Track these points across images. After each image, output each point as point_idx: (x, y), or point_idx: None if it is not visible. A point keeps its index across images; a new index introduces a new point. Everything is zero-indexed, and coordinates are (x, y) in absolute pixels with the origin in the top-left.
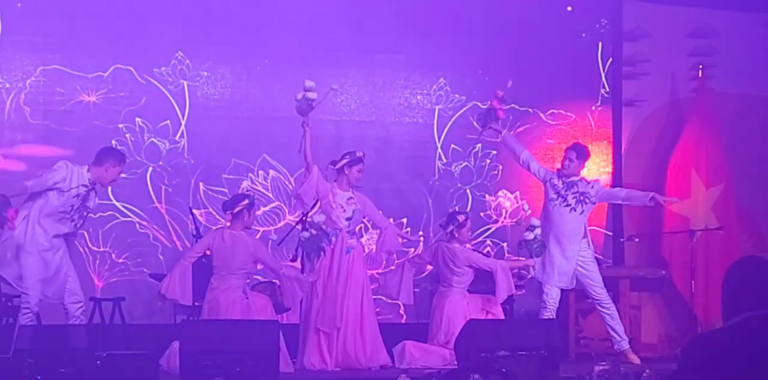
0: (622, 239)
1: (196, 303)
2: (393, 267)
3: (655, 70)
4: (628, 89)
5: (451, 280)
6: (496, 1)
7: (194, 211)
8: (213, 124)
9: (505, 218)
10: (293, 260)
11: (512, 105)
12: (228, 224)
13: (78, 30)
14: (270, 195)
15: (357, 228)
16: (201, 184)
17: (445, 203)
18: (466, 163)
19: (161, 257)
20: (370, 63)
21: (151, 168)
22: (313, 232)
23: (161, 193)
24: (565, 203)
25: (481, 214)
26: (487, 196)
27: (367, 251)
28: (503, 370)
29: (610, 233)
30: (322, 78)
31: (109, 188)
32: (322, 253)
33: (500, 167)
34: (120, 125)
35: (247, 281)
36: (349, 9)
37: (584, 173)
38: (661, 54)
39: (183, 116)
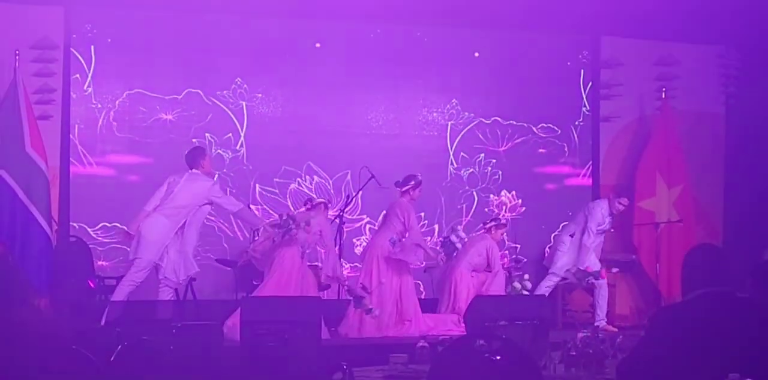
0: None
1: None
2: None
3: (627, 92)
4: (605, 108)
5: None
6: (498, 37)
7: (252, 207)
8: (267, 137)
9: (504, 212)
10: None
11: (511, 121)
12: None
13: (157, 60)
14: (314, 196)
15: None
16: (257, 186)
17: (455, 201)
18: (472, 169)
19: (225, 245)
20: (394, 87)
21: (217, 175)
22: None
23: (227, 193)
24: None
25: (486, 210)
26: (491, 195)
27: None
28: (503, 336)
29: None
30: (356, 99)
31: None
32: None
33: (500, 173)
34: (193, 140)
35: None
36: (377, 43)
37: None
38: (631, 79)
39: (242, 131)
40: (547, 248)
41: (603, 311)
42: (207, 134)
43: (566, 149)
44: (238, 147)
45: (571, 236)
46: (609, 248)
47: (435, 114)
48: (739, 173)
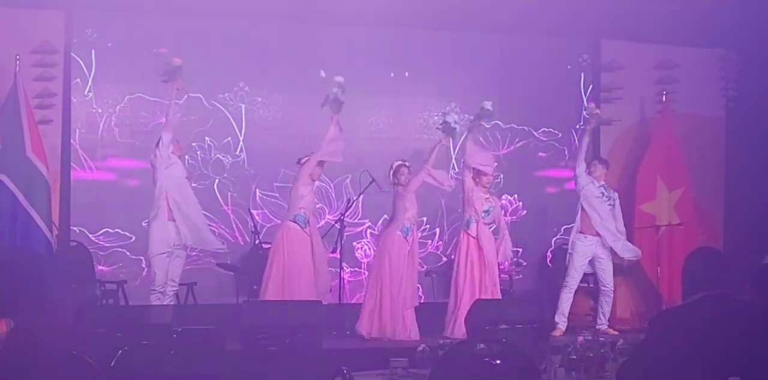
0: None
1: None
2: None
3: (627, 96)
4: (605, 111)
5: None
6: (498, 41)
7: (252, 211)
8: (267, 141)
9: (505, 215)
10: (333, 251)
11: (511, 124)
12: None
13: (157, 65)
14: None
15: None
16: (257, 190)
17: (455, 204)
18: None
19: (226, 249)
20: (395, 91)
21: (217, 180)
22: None
23: (227, 198)
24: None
25: None
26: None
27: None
28: (503, 340)
29: None
30: (357, 103)
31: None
32: None
33: (501, 176)
34: (192, 144)
35: None
36: (377, 47)
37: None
38: (632, 82)
39: (242, 135)
40: (548, 253)
41: (606, 316)
42: (207, 138)
43: (567, 152)
44: (238, 151)
45: None
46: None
47: (435, 118)
48: (739, 176)
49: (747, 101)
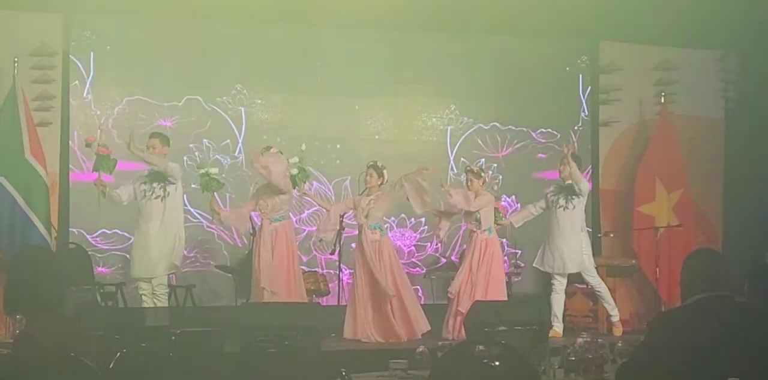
0: (599, 235)
1: None
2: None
3: (626, 97)
4: (604, 113)
5: None
6: (497, 42)
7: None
8: (266, 143)
9: (504, 217)
10: (332, 253)
11: (510, 126)
12: None
13: (156, 67)
14: (313, 201)
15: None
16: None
17: None
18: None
19: (225, 252)
20: (394, 92)
21: None
22: None
23: (226, 199)
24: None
25: None
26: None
27: None
28: (503, 342)
29: (590, 230)
30: (355, 105)
31: (185, 196)
32: None
33: (500, 177)
34: (190, 145)
35: None
36: (378, 49)
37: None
38: (630, 84)
39: (241, 137)
40: None
41: (612, 303)
42: (205, 140)
43: None
44: (236, 153)
45: None
46: (608, 253)
47: (434, 119)
48: (738, 177)
49: (746, 102)
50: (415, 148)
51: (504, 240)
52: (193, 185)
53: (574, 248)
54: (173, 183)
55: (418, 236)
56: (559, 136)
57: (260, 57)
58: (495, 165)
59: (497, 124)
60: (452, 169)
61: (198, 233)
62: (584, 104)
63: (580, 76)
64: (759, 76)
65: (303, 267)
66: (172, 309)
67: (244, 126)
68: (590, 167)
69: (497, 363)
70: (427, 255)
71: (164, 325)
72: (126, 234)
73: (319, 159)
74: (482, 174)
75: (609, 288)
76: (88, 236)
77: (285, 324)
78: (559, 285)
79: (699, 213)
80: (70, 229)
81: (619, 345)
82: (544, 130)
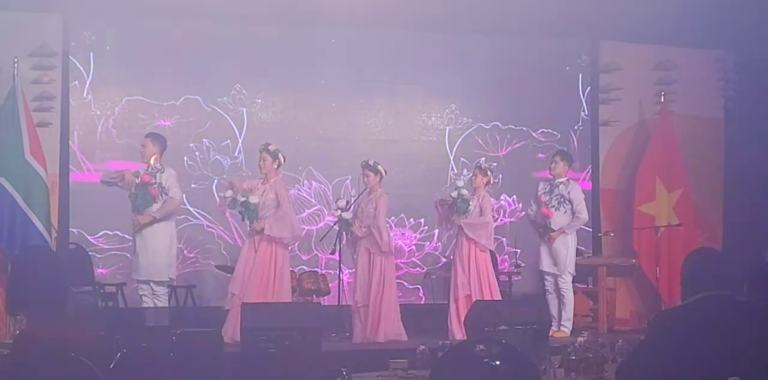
0: (600, 234)
1: None
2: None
3: (626, 97)
4: (604, 112)
5: None
6: (497, 42)
7: None
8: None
9: (504, 217)
10: (332, 253)
11: (510, 125)
12: None
13: (155, 68)
14: (313, 201)
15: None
16: None
17: None
18: (472, 173)
19: (224, 252)
20: (394, 92)
21: (216, 180)
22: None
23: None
24: (551, 205)
25: None
26: (491, 200)
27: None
28: (503, 341)
29: (590, 229)
30: (355, 104)
31: (184, 196)
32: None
33: (500, 177)
34: (191, 144)
35: None
36: (376, 49)
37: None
38: (630, 83)
39: (241, 137)
40: None
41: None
42: (205, 140)
43: None
44: (236, 153)
45: None
46: (609, 253)
47: (434, 119)
48: (738, 176)
49: (745, 101)
50: (415, 148)
51: (504, 239)
52: (192, 185)
53: (557, 248)
54: (166, 193)
55: (418, 236)
56: (559, 135)
57: (260, 57)
58: (495, 164)
59: (497, 123)
60: (452, 169)
61: (198, 233)
62: (584, 104)
63: (580, 75)
64: (758, 75)
65: (303, 267)
66: (172, 309)
67: (244, 126)
68: (590, 166)
69: (498, 363)
70: (425, 254)
71: (164, 325)
72: (126, 236)
73: (319, 159)
74: (489, 173)
75: (609, 288)
76: (88, 237)
77: (285, 324)
78: (549, 284)
79: (699, 212)
80: (70, 229)
81: (620, 344)
82: (544, 129)
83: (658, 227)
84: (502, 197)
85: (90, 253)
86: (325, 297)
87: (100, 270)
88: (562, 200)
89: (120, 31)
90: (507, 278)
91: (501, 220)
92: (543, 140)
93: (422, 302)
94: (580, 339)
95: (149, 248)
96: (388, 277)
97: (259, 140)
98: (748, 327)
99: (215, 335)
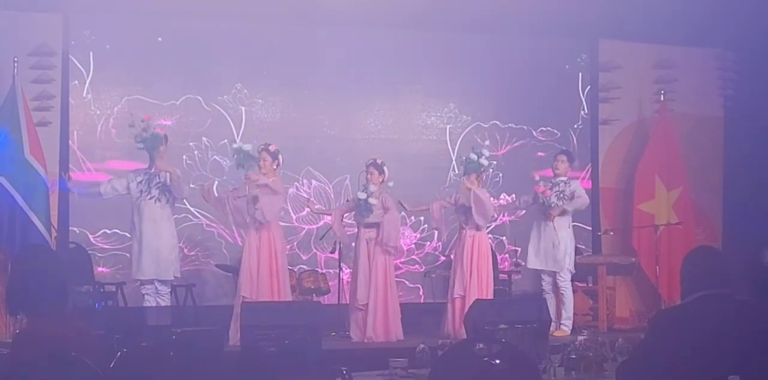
0: (599, 233)
1: None
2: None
3: (625, 95)
4: (604, 111)
5: None
6: (497, 41)
7: None
8: (266, 142)
9: (503, 216)
10: (332, 252)
11: (509, 124)
12: None
13: (155, 67)
14: (312, 200)
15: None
16: None
17: None
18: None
19: (225, 251)
20: (393, 91)
21: (216, 182)
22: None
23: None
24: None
25: None
26: (492, 199)
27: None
28: (503, 340)
29: (590, 228)
30: (355, 103)
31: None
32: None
33: (501, 175)
34: (190, 143)
35: None
36: (377, 49)
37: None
38: (630, 82)
39: (240, 136)
40: None
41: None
42: (204, 139)
43: None
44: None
45: None
46: (608, 251)
47: (433, 118)
48: (737, 175)
49: (745, 99)
50: (415, 147)
51: (504, 238)
52: (192, 185)
53: (557, 246)
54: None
55: (418, 235)
56: (558, 134)
57: (260, 56)
58: (494, 163)
59: (497, 122)
60: (453, 169)
61: (198, 232)
62: (584, 102)
63: (580, 74)
64: (758, 73)
65: (302, 266)
66: (172, 308)
67: (243, 125)
68: (590, 165)
69: (498, 361)
70: (425, 253)
71: (165, 324)
72: (126, 234)
73: (318, 158)
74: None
75: (609, 287)
76: (88, 236)
77: (285, 323)
78: (545, 284)
79: (699, 211)
80: (70, 228)
81: (620, 342)
82: (543, 128)
83: (658, 225)
84: (501, 196)
85: (90, 252)
86: (325, 296)
87: (100, 269)
88: (562, 196)
89: (120, 31)
90: (507, 277)
91: (500, 219)
92: (543, 138)
93: (422, 301)
94: (580, 337)
95: (153, 247)
96: (389, 276)
97: (259, 140)
98: (747, 325)
99: (215, 334)
